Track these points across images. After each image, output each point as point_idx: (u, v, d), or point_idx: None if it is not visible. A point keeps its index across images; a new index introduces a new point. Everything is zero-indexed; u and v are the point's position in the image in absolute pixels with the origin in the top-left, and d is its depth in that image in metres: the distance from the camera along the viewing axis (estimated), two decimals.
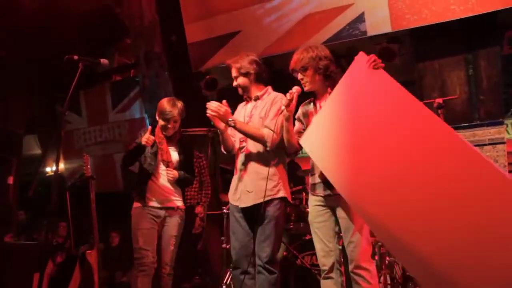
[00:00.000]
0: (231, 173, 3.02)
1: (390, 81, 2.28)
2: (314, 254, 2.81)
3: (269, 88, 2.97)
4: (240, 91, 2.97)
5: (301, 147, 2.66)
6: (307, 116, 2.70)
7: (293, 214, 4.50)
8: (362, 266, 2.46)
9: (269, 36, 5.45)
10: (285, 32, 5.37)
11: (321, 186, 2.57)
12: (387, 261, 3.92)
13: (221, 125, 2.80)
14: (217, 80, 5.90)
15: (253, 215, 2.78)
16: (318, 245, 2.60)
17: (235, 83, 2.94)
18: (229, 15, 5.67)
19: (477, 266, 1.97)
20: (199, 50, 5.89)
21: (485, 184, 1.96)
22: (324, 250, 2.57)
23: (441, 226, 2.04)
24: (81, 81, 2.63)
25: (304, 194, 4.45)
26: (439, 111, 3.71)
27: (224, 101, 2.76)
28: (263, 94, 2.93)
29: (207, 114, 2.75)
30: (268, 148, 2.75)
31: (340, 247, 2.65)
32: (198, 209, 4.84)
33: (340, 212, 2.53)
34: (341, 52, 4.86)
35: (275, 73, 4.52)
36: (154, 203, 3.26)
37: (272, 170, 2.76)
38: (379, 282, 3.55)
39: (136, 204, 3.30)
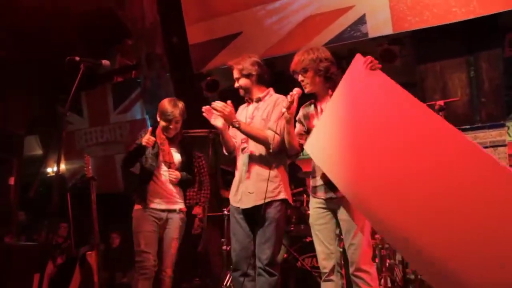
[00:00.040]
0: (232, 175, 3.01)
1: (388, 81, 2.28)
2: (315, 256, 2.80)
3: (271, 89, 2.96)
4: (241, 92, 2.96)
5: (302, 149, 2.66)
6: (308, 118, 2.69)
7: (293, 216, 4.50)
8: (362, 269, 2.45)
9: (270, 37, 5.45)
10: (286, 33, 5.37)
11: (323, 188, 2.56)
12: (387, 264, 3.92)
13: (220, 124, 2.80)
14: (219, 82, 5.90)
15: (254, 216, 2.77)
16: (318, 248, 2.59)
17: (236, 85, 2.93)
18: (230, 16, 5.67)
19: (483, 262, 1.96)
20: (201, 51, 5.89)
21: (490, 180, 1.95)
22: (324, 253, 2.56)
23: (449, 226, 2.03)
24: (82, 82, 2.62)
25: (305, 196, 4.45)
26: (440, 113, 3.70)
27: (229, 102, 2.74)
28: (264, 96, 2.92)
29: (205, 115, 2.75)
30: (271, 150, 2.74)
31: (341, 249, 2.64)
32: (197, 210, 4.80)
33: (341, 215, 2.52)
34: (343, 54, 4.84)
35: (276, 74, 4.50)
36: (155, 205, 3.23)
37: (273, 171, 2.75)
38: (380, 284, 3.56)
39: (137, 206, 3.26)
